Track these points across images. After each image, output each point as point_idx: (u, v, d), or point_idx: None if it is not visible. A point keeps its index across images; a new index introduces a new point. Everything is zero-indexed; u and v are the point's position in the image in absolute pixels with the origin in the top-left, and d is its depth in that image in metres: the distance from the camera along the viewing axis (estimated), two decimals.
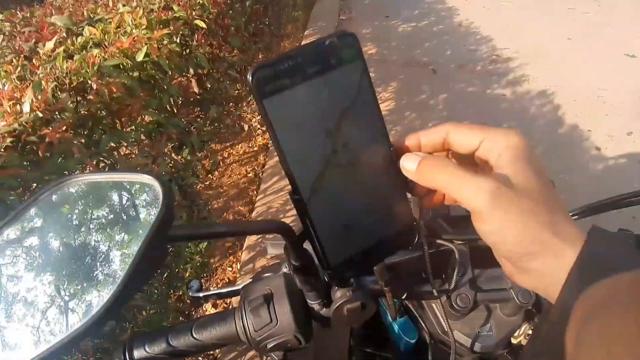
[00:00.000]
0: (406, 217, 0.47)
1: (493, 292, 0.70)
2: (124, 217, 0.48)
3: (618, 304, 0.30)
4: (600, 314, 0.30)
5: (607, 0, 5.92)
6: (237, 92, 2.59)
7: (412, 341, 0.86)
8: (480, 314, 0.72)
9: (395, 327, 0.89)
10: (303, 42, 4.69)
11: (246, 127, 3.13)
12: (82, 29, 1.70)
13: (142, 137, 1.45)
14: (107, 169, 1.29)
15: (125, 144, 1.35)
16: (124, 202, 0.49)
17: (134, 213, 0.48)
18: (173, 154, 1.71)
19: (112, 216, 0.48)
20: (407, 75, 4.25)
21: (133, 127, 1.38)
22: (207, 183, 2.78)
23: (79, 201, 0.50)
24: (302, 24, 5.36)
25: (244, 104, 2.97)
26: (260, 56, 3.48)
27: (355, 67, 0.40)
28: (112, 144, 1.29)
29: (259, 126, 3.24)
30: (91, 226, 0.47)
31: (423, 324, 0.81)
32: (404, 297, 0.70)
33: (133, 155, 1.38)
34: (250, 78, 0.36)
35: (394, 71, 4.38)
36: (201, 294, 0.74)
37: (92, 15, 2.04)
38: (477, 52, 4.62)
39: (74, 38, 1.59)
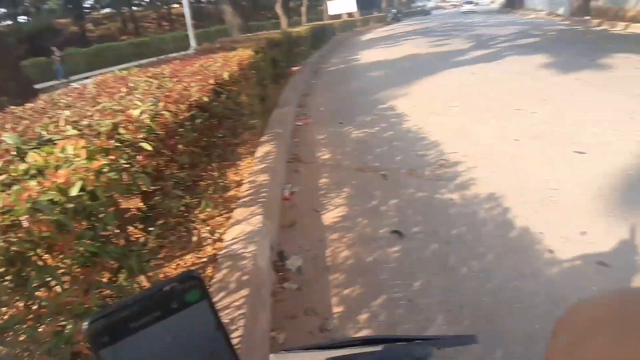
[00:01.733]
0: None
1: None
2: None
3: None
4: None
5: (554, 100, 6.40)
6: (183, 207, 2.57)
7: None
8: None
9: None
10: (258, 149, 4.82)
11: (194, 238, 3.08)
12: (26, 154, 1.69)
13: (75, 269, 1.39)
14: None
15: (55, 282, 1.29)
16: None
17: None
18: (108, 280, 1.64)
19: None
20: (359, 181, 4.37)
21: (65, 261, 1.33)
22: None
23: None
24: (259, 131, 5.54)
25: (192, 215, 2.94)
26: (213, 165, 3.53)
27: (200, 308, 0.39)
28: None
29: (209, 235, 3.20)
30: None
31: None
32: None
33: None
34: (87, 329, 0.35)
35: (347, 176, 4.52)
36: None
37: (43, 133, 2.05)
38: (426, 157, 4.83)
39: (17, 162, 1.57)
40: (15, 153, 1.77)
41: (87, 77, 11.64)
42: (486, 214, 3.56)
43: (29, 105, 2.94)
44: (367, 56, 12.37)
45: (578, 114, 5.69)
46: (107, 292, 1.60)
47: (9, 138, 1.84)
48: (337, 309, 2.62)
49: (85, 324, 0.35)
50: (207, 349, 0.40)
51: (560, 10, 25.47)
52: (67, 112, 2.16)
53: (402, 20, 46.16)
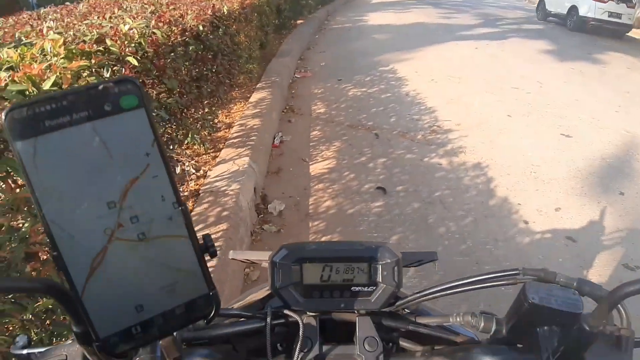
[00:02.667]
0: (199, 288, 0.41)
1: None
2: None
3: None
4: None
5: (548, 83, 6.41)
6: (168, 135, 2.53)
7: None
8: None
9: None
10: (253, 94, 4.75)
11: (178, 169, 3.06)
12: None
13: None
14: None
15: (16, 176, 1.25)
16: None
17: None
18: None
19: None
20: (351, 137, 4.35)
21: None
22: None
23: None
24: (256, 77, 5.44)
25: (177, 147, 2.90)
26: (205, 102, 3.47)
27: (135, 116, 0.36)
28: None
29: (193, 171, 3.18)
30: None
31: None
32: None
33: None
34: (4, 117, 0.32)
35: (339, 131, 4.48)
36: (25, 351, 0.64)
37: (22, 38, 1.98)
38: (420, 121, 4.81)
39: None
40: None
41: None
42: (470, 181, 3.61)
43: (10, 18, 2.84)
44: (374, 18, 12.09)
45: (569, 100, 5.76)
46: None
47: None
48: None
49: (3, 112, 0.32)
50: (143, 171, 0.36)
51: None
52: (51, 23, 2.09)
53: None
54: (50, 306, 1.40)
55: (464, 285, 0.66)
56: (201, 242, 0.41)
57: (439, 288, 0.67)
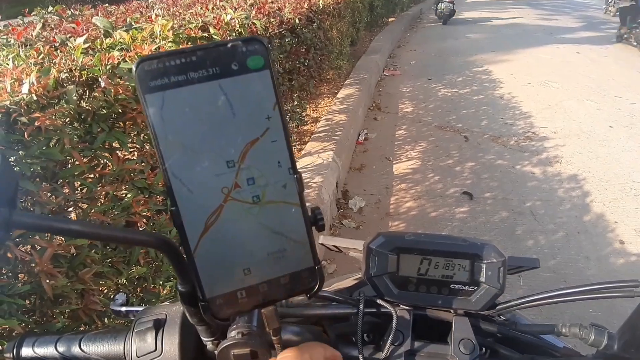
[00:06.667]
0: (305, 261, 0.40)
1: None
2: None
3: None
4: None
5: None
6: None
7: None
8: None
9: None
10: (341, 90, 4.76)
11: None
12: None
13: (146, 145, 1.44)
14: (99, 168, 1.28)
15: (124, 149, 1.34)
16: None
17: None
18: None
19: None
20: (438, 138, 4.22)
21: (136, 132, 1.38)
22: None
23: None
24: (345, 73, 5.45)
25: None
26: (294, 95, 3.53)
27: (260, 77, 0.35)
28: (110, 145, 1.28)
29: None
30: None
31: None
32: None
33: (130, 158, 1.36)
34: (135, 68, 0.33)
35: (426, 132, 4.37)
36: (124, 309, 0.68)
37: (133, 23, 2.12)
38: (514, 126, 4.56)
39: (104, 39, 1.63)
40: (102, 37, 1.83)
41: None
42: (564, 193, 3.36)
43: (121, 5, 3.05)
44: (469, 17, 11.70)
45: None
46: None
47: (98, 20, 1.91)
48: None
49: (135, 63, 0.33)
50: (263, 135, 0.36)
51: None
52: (158, 11, 2.21)
53: None
54: (143, 274, 1.49)
55: (573, 294, 0.60)
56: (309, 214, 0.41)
57: (544, 295, 0.62)
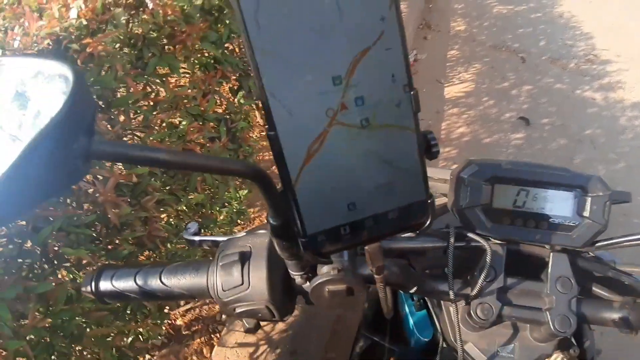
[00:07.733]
0: (417, 193, 0.37)
1: (525, 309, 0.60)
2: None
3: None
4: None
5: None
6: None
7: (425, 339, 0.79)
8: (503, 330, 0.63)
9: (411, 321, 0.81)
10: None
11: None
12: None
13: (196, 69, 1.41)
14: (152, 95, 1.26)
15: (175, 74, 1.31)
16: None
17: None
18: (227, 95, 1.67)
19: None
20: (493, 59, 4.02)
21: (187, 56, 1.34)
22: (263, 134, 2.74)
23: None
24: None
25: None
26: None
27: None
28: (162, 70, 1.26)
29: None
30: None
31: (439, 325, 0.72)
32: (412, 291, 0.61)
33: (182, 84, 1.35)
34: None
35: (480, 52, 4.16)
36: (197, 238, 0.67)
37: None
38: (574, 48, 4.28)
39: None
40: None
41: None
42: (627, 122, 3.20)
43: None
44: None
45: None
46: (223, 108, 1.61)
47: None
48: None
49: None
50: (379, 49, 0.32)
51: None
52: None
53: None
54: (201, 201, 1.52)
55: None
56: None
57: None
